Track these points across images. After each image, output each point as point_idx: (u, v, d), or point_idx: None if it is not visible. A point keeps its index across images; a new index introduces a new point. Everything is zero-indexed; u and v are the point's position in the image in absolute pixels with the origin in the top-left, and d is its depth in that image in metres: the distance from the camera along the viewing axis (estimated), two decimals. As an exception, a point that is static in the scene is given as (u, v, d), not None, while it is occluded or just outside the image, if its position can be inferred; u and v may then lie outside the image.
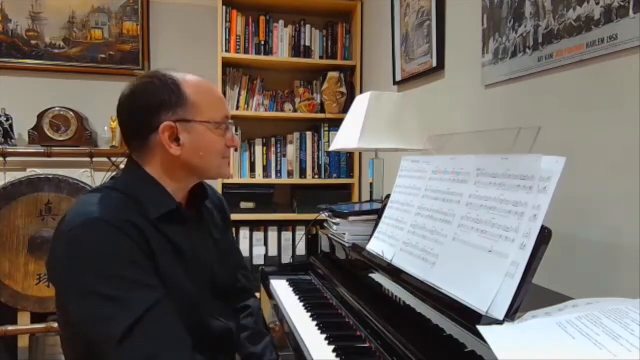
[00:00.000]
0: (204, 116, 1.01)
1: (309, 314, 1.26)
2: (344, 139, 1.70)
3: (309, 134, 2.86)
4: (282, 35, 2.78)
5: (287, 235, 2.80)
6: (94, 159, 2.44)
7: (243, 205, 2.75)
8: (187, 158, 1.01)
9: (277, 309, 1.36)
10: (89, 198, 0.95)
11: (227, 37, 2.68)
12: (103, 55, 2.78)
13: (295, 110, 2.84)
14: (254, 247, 2.76)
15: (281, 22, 2.78)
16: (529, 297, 0.73)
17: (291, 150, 2.84)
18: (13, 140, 2.57)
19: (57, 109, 2.60)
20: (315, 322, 1.19)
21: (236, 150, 0.97)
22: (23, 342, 2.37)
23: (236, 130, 2.72)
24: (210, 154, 1.04)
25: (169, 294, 0.92)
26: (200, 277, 1.06)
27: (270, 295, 1.51)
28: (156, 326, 0.86)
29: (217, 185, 2.57)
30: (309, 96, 2.87)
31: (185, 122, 0.99)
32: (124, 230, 0.89)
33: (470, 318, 0.74)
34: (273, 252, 2.78)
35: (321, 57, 2.84)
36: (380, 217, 1.25)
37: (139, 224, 0.92)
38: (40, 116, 2.57)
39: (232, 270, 1.25)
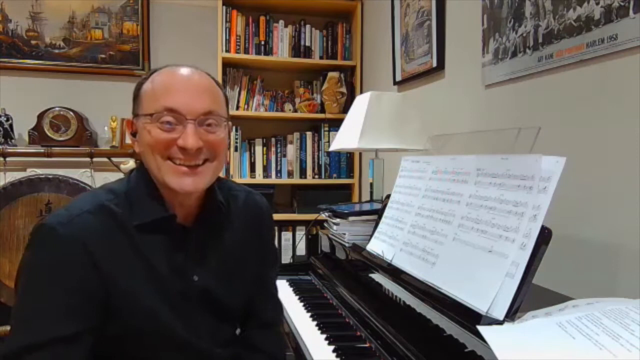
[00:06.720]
0: (142, 108, 0.90)
1: (309, 314, 1.27)
2: (344, 139, 1.70)
3: (309, 134, 2.86)
4: (282, 35, 2.78)
5: (287, 235, 2.80)
6: (94, 159, 2.44)
7: (243, 205, 2.74)
8: (141, 157, 0.93)
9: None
10: (78, 197, 0.94)
11: (227, 37, 2.68)
12: (103, 55, 2.78)
13: (295, 110, 2.84)
14: (254, 247, 2.76)
15: (281, 22, 2.78)
16: (529, 297, 0.73)
17: (291, 150, 2.84)
18: (13, 140, 2.57)
19: (57, 109, 2.60)
20: (315, 322, 1.19)
21: (188, 151, 0.85)
22: (23, 342, 2.37)
23: (236, 130, 2.73)
24: (146, 151, 0.90)
25: (128, 309, 0.86)
26: (182, 297, 0.92)
27: (270, 295, 1.51)
28: None
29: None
30: (309, 96, 2.87)
31: (135, 116, 0.93)
32: (70, 245, 0.82)
33: (470, 318, 0.75)
34: (273, 252, 2.77)
35: (321, 57, 2.84)
36: (380, 217, 1.25)
37: (95, 237, 0.84)
38: (40, 116, 2.57)
39: (239, 294, 1.03)
